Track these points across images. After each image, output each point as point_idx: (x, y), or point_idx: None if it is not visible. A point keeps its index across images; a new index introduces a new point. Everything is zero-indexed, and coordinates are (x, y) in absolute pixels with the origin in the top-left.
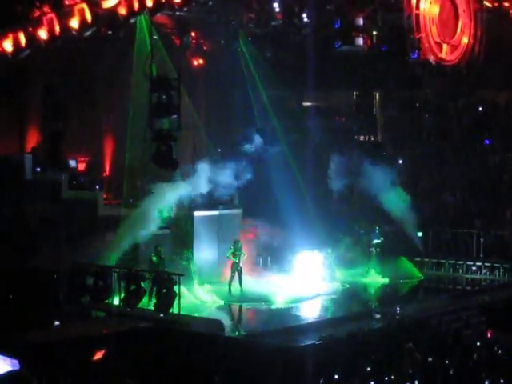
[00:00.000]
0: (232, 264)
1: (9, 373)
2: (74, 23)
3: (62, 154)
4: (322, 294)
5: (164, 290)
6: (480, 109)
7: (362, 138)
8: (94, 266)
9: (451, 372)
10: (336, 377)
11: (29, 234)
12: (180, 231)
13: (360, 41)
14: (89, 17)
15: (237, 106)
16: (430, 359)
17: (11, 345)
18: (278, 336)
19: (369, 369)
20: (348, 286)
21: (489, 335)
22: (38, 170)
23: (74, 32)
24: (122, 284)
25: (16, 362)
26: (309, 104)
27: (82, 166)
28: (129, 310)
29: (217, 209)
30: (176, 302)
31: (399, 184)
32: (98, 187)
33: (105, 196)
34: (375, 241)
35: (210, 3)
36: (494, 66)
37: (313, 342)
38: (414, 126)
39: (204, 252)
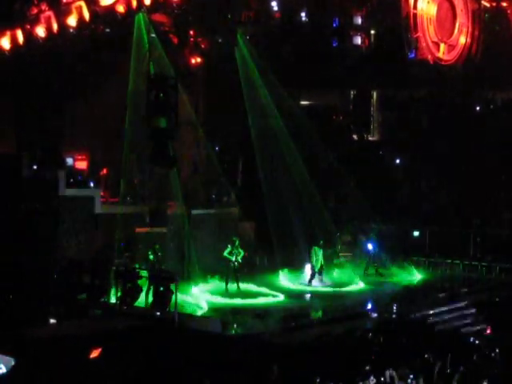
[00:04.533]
0: (228, 262)
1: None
2: (72, 21)
3: (59, 151)
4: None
5: (161, 289)
6: (477, 108)
7: (359, 137)
8: (91, 264)
9: (449, 371)
10: (333, 374)
11: (25, 231)
12: (177, 229)
13: (358, 40)
14: (87, 15)
15: (234, 104)
16: (427, 358)
17: (7, 342)
18: (275, 334)
19: (367, 367)
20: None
21: (488, 331)
22: (35, 167)
23: (71, 30)
24: (118, 282)
25: (11, 359)
26: (306, 103)
27: (79, 164)
28: (125, 308)
29: (214, 207)
30: (173, 300)
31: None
32: (95, 185)
33: (102, 194)
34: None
35: (208, 1)
36: (491, 65)
37: (310, 340)
38: (411, 126)
39: (201, 250)
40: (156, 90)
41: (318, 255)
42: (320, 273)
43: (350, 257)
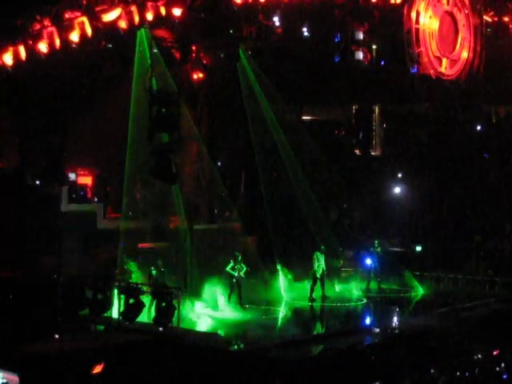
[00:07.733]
0: (231, 277)
1: None
2: (74, 37)
3: (61, 166)
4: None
5: (163, 304)
6: (479, 124)
7: (361, 152)
8: (93, 279)
9: None
10: None
11: (28, 246)
12: (179, 244)
13: (360, 55)
14: (89, 30)
15: (237, 119)
16: (432, 373)
17: (10, 358)
18: (276, 349)
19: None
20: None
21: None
22: (38, 182)
23: (74, 45)
24: (121, 297)
25: (15, 375)
26: (308, 117)
27: (81, 180)
28: (128, 324)
29: (216, 222)
30: (175, 315)
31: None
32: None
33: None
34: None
35: (210, 17)
36: (493, 80)
37: (313, 355)
38: (413, 140)
39: (203, 265)
40: (158, 106)
41: (320, 261)
42: (322, 281)
43: (352, 272)
